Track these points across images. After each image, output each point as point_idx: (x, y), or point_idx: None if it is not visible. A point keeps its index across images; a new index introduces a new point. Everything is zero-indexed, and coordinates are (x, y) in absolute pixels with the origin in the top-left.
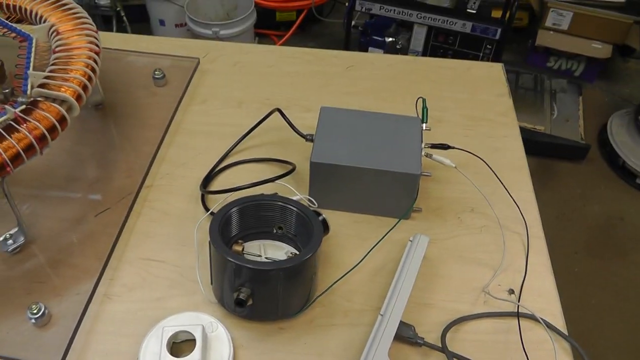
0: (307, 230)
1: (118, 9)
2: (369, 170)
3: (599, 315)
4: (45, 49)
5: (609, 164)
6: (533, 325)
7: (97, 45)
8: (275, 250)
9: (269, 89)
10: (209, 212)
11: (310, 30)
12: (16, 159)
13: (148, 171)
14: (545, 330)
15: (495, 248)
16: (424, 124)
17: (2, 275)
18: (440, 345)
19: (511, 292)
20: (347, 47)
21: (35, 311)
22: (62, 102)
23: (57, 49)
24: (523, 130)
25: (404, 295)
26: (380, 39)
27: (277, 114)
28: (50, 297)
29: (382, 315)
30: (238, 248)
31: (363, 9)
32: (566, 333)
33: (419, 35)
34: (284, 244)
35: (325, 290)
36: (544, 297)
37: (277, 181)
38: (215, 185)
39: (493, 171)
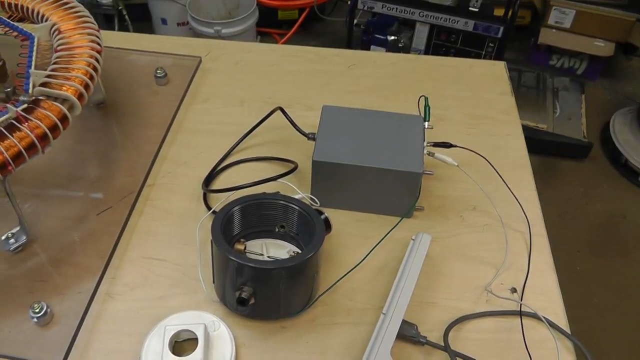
0: (309, 229)
1: (120, 7)
2: (371, 169)
3: (602, 314)
4: (47, 47)
5: (611, 162)
6: (535, 324)
7: (98, 44)
8: (277, 249)
9: (271, 88)
10: (211, 210)
11: (312, 29)
12: (18, 157)
13: (150, 170)
14: (548, 329)
15: (498, 246)
16: (426, 123)
17: (4, 274)
18: (442, 344)
19: (514, 290)
20: (349, 45)
21: (37, 310)
22: (64, 100)
23: (59, 47)
24: (525, 129)
25: (407, 293)
26: (382, 37)
27: (279, 112)
28: (52, 296)
29: (384, 314)
30: (240, 247)
31: (365, 7)
32: (569, 332)
33: (421, 34)
34: (286, 243)
35: (328, 289)
36: (546, 295)
37: (279, 180)
38: (217, 184)
39: (495, 169)
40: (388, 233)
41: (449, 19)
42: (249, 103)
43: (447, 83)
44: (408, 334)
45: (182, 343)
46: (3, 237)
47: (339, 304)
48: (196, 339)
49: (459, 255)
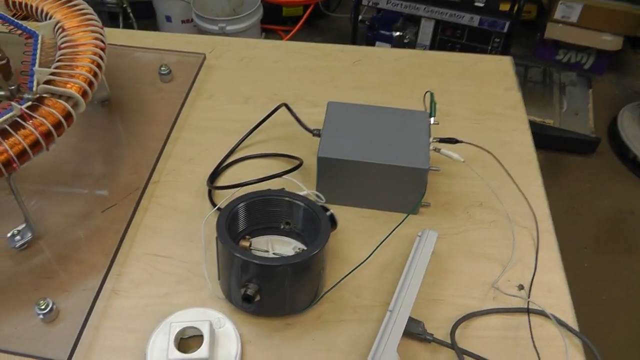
0: (315, 226)
1: (124, 5)
2: (376, 165)
3: (610, 311)
4: (51, 45)
5: (619, 157)
6: (543, 322)
7: (102, 42)
8: (282, 246)
9: (275, 85)
10: (216, 207)
11: (317, 25)
12: (22, 155)
13: (154, 167)
14: (556, 326)
15: (505, 243)
16: (432, 118)
17: (10, 271)
18: (449, 342)
19: (521, 287)
20: (354, 41)
21: (43, 307)
22: (68, 98)
23: (63, 45)
24: (532, 124)
25: (413, 291)
26: (387, 33)
27: (284, 109)
28: (57, 292)
29: (390, 311)
30: (245, 244)
31: (370, 3)
32: (577, 329)
33: (426, 29)
34: (292, 240)
35: (334, 286)
36: (554, 292)
37: (284, 176)
38: (222, 180)
39: (502, 165)
40: (394, 230)
41: (455, 14)
42: (253, 100)
43: (453, 78)
44: (414, 332)
45: (187, 340)
46: (9, 234)
47: (344, 301)
48: (202, 336)
49: (466, 251)
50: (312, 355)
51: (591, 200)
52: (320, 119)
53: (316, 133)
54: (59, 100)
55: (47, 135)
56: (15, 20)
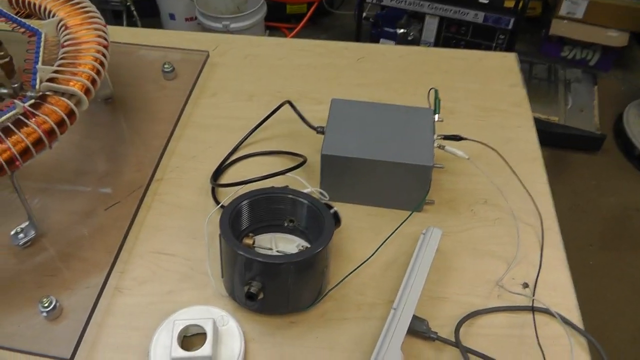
0: (319, 223)
1: (128, 3)
2: (380, 163)
3: (615, 309)
4: (54, 43)
5: (625, 154)
6: (548, 320)
7: (105, 39)
8: (286, 244)
9: (279, 82)
10: (220, 205)
11: (321, 23)
12: (25, 153)
13: (158, 164)
14: (561, 324)
15: (509, 240)
16: (437, 115)
17: (13, 269)
18: (453, 340)
19: (525, 285)
20: (358, 39)
21: (46, 304)
22: (71, 96)
23: (66, 43)
24: (537, 121)
25: (417, 288)
26: (391, 30)
27: (287, 106)
28: (60, 290)
29: (394, 309)
30: (249, 241)
31: (374, 1)
32: (582, 328)
33: (430, 26)
34: (295, 237)
35: (337, 284)
36: (559, 291)
37: (288, 174)
38: (226, 178)
39: (507, 162)
40: (398, 227)
41: (459, 10)
42: (257, 97)
43: (457, 75)
44: (419, 330)
45: (190, 338)
46: (12, 232)
47: (348, 299)
48: (205, 334)
49: (470, 249)
50: (315, 353)
51: (596, 198)
52: (324, 116)
53: (320, 130)
54: (62, 98)
55: (50, 133)
56: (19, 18)
